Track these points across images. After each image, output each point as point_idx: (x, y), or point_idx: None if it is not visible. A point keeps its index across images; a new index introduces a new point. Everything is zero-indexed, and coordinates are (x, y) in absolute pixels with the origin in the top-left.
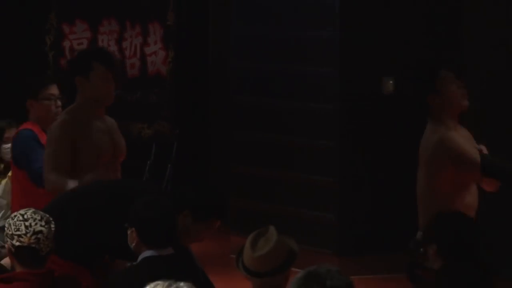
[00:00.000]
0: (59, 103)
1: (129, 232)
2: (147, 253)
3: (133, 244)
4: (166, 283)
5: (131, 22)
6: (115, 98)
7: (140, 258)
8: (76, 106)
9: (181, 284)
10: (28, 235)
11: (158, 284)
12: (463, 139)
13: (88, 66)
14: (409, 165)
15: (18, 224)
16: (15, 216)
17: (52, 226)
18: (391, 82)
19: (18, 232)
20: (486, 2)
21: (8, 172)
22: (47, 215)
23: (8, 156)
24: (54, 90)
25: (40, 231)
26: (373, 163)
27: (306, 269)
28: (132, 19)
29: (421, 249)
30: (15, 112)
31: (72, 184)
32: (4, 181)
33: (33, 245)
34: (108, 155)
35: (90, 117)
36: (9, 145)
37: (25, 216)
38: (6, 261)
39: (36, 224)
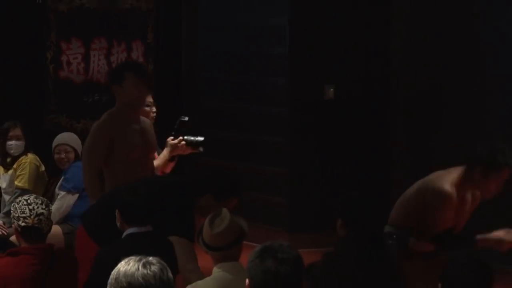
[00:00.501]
0: (154, 109)
1: (116, 213)
2: (129, 230)
3: (119, 223)
4: (138, 258)
5: (117, 41)
6: (104, 103)
7: (124, 234)
8: (115, 109)
9: (150, 258)
10: (32, 217)
11: (131, 259)
12: (458, 206)
13: (121, 76)
14: (345, 158)
15: (23, 208)
16: (20, 201)
17: (51, 208)
18: (331, 89)
19: (23, 215)
20: (411, 15)
21: (13, 165)
22: (47, 200)
23: (12, 151)
24: (150, 98)
25: (42, 213)
26: (317, 156)
27: (262, 244)
28: (118, 38)
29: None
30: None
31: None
32: (10, 172)
33: (36, 225)
34: (138, 152)
35: (126, 118)
36: (13, 142)
37: (29, 201)
38: (13, 238)
39: (38, 207)
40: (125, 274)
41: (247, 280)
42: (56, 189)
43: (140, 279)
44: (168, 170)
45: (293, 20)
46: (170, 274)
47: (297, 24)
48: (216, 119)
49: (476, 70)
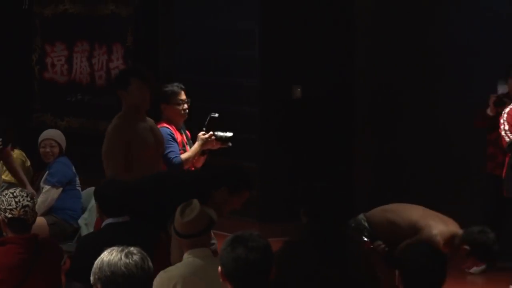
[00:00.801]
0: (185, 106)
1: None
2: (108, 220)
3: (98, 215)
4: (120, 248)
5: (99, 44)
6: (86, 102)
7: (103, 224)
8: (123, 113)
9: (132, 248)
10: (18, 208)
11: (113, 249)
12: None
13: (126, 81)
14: (312, 152)
15: (10, 200)
16: (6, 194)
17: (35, 201)
18: (298, 89)
19: (10, 207)
20: (374, 19)
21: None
22: (32, 192)
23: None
24: (182, 95)
25: (27, 205)
26: (286, 151)
27: (234, 234)
28: (99, 41)
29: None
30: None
31: None
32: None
33: (22, 217)
34: (153, 148)
35: (135, 120)
36: None
37: (15, 194)
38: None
39: (23, 200)
40: (109, 263)
41: (219, 268)
42: (41, 183)
43: (122, 268)
44: (199, 164)
45: (263, 24)
46: (150, 264)
47: (267, 28)
48: (192, 118)
49: (432, 70)
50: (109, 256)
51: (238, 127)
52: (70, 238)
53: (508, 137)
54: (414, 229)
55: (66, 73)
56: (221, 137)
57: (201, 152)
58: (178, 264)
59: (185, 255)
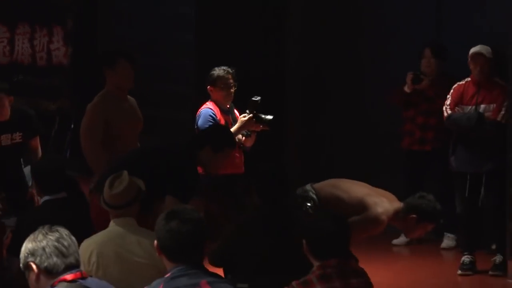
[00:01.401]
0: (231, 90)
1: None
2: (46, 197)
3: (36, 192)
4: (46, 227)
5: (40, 26)
6: (27, 82)
7: (41, 201)
8: (105, 91)
9: (57, 227)
10: None
11: (41, 232)
12: None
13: (113, 60)
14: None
15: None
16: None
17: None
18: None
19: None
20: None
21: None
22: None
23: None
24: (228, 79)
25: None
26: None
27: (169, 209)
28: (40, 24)
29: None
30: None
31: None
32: None
33: None
34: (131, 127)
35: (116, 98)
36: None
37: None
38: None
39: None
40: (32, 248)
41: (155, 241)
42: None
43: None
44: (249, 144)
45: (199, 9)
46: (73, 238)
47: (202, 12)
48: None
49: (357, 54)
50: (31, 241)
51: (173, 106)
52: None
53: (447, 112)
54: (361, 207)
55: (8, 54)
56: (261, 119)
57: (246, 133)
58: (100, 232)
59: (110, 223)
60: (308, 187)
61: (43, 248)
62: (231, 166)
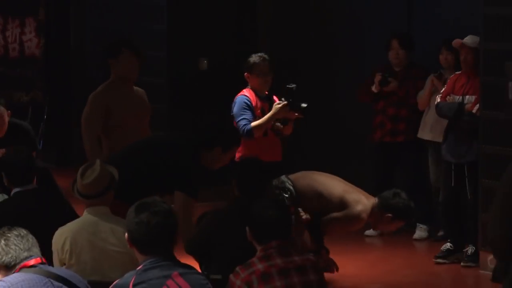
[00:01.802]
0: (268, 77)
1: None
2: (16, 189)
3: (6, 184)
4: (6, 228)
5: (12, 17)
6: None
7: (12, 193)
8: (110, 81)
9: (15, 227)
10: None
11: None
12: None
13: (118, 50)
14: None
15: None
16: None
17: None
18: (205, 61)
19: None
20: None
21: None
22: None
23: None
24: (265, 67)
25: None
26: (193, 120)
27: (140, 201)
28: (12, 15)
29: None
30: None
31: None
32: None
33: None
34: (134, 117)
35: (120, 88)
36: None
37: None
38: None
39: None
40: None
41: (126, 234)
42: None
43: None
44: (288, 132)
45: (171, 0)
46: (31, 236)
47: (174, 3)
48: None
49: (328, 48)
50: None
51: (148, 98)
52: None
53: (436, 100)
54: (341, 204)
55: None
56: (296, 106)
57: (283, 121)
58: (74, 221)
59: (84, 212)
60: (283, 178)
61: (1, 247)
62: (271, 154)
